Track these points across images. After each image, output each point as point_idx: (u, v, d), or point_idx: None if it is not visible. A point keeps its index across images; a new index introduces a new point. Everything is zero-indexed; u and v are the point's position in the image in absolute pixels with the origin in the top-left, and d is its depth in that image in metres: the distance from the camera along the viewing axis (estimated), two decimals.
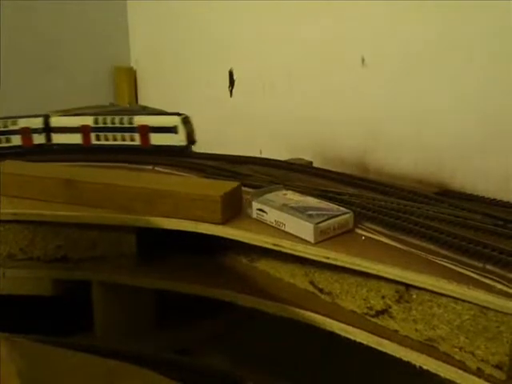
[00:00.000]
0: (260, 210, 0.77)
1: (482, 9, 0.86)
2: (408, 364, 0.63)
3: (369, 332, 0.66)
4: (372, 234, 0.72)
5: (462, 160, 0.92)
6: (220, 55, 1.40)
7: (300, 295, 0.75)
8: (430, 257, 0.65)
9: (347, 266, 0.67)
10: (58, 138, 1.18)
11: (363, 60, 1.06)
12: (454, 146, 0.94)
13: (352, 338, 0.67)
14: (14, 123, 1.17)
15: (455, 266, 0.63)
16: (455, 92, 0.92)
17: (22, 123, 1.17)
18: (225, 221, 0.77)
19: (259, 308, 0.75)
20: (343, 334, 0.68)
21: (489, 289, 0.57)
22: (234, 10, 1.33)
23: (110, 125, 1.13)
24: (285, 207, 0.75)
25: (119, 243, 0.86)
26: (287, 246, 0.71)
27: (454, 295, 0.59)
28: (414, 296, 0.64)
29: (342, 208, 0.75)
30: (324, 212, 0.73)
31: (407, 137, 1.01)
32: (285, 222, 0.73)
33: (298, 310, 0.72)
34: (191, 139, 1.11)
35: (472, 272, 0.61)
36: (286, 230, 0.73)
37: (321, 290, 0.74)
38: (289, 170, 1.01)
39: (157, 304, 0.91)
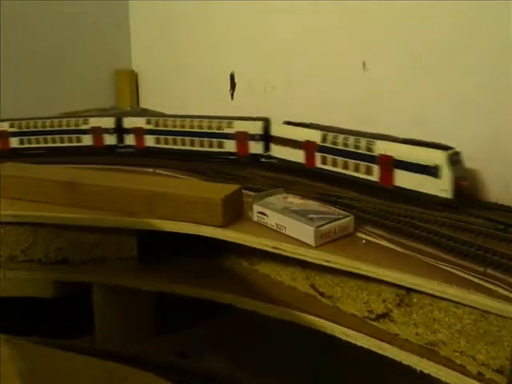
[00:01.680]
0: (261, 213, 0.77)
1: (485, 10, 0.86)
2: (409, 367, 0.63)
3: (369, 336, 0.66)
4: (373, 237, 0.72)
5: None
6: (221, 58, 1.40)
7: (301, 298, 0.75)
8: (431, 261, 0.65)
9: (348, 269, 0.67)
10: (276, 150, 1.00)
11: (364, 64, 1.06)
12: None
13: (352, 341, 0.67)
14: (230, 125, 1.03)
15: (456, 270, 0.62)
16: (457, 97, 0.92)
17: (239, 126, 1.03)
18: (226, 224, 0.77)
19: (260, 311, 0.75)
20: (344, 337, 0.68)
21: (490, 293, 0.57)
22: (235, 13, 1.33)
23: (340, 146, 0.89)
24: (285, 210, 0.75)
25: (120, 246, 0.86)
26: (288, 250, 0.71)
27: (455, 299, 0.59)
28: (415, 300, 0.64)
29: (342, 211, 0.75)
30: (325, 215, 0.73)
31: None
32: (285, 225, 0.73)
33: (298, 313, 0.72)
34: (460, 188, 0.77)
35: (473, 276, 0.61)
36: (287, 233, 0.73)
37: (321, 294, 0.74)
38: (290, 173, 1.01)
39: (156, 306, 0.91)
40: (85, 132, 1.15)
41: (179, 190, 0.81)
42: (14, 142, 1.19)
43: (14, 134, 1.18)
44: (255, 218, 0.78)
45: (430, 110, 0.97)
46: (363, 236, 0.73)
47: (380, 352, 0.65)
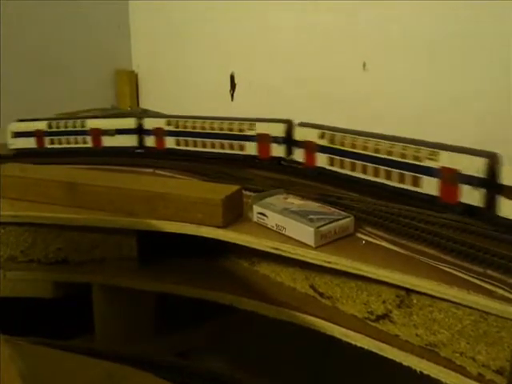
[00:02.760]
0: (261, 213, 0.77)
1: (485, 9, 0.86)
2: (409, 368, 0.63)
3: (369, 337, 0.66)
4: (373, 238, 0.72)
5: None
6: (221, 59, 1.40)
7: (300, 299, 0.75)
8: (431, 261, 0.65)
9: (348, 270, 0.67)
10: (508, 205, 0.66)
11: (364, 65, 1.06)
12: None
13: (352, 342, 0.67)
14: (433, 156, 0.74)
15: (456, 270, 0.62)
16: (456, 96, 0.92)
17: (445, 159, 0.72)
18: (226, 224, 0.77)
19: (259, 312, 0.75)
20: (343, 338, 0.68)
21: (489, 294, 0.57)
22: (235, 13, 1.33)
23: None
24: (285, 211, 0.75)
25: (120, 246, 0.86)
26: (287, 250, 0.71)
27: (455, 300, 0.59)
28: (415, 301, 0.64)
29: (342, 212, 0.75)
30: (325, 216, 0.73)
31: None
32: (285, 225, 0.73)
33: (298, 313, 0.72)
34: None
35: (473, 277, 0.61)
36: (287, 233, 0.73)
37: (321, 294, 0.74)
38: (290, 174, 1.01)
39: (156, 306, 0.91)
40: (250, 139, 0.99)
41: (179, 191, 0.81)
42: (170, 142, 1.07)
43: (171, 134, 1.06)
44: (255, 219, 0.78)
45: (431, 111, 0.97)
46: (363, 237, 0.73)
47: (380, 353, 0.65)
